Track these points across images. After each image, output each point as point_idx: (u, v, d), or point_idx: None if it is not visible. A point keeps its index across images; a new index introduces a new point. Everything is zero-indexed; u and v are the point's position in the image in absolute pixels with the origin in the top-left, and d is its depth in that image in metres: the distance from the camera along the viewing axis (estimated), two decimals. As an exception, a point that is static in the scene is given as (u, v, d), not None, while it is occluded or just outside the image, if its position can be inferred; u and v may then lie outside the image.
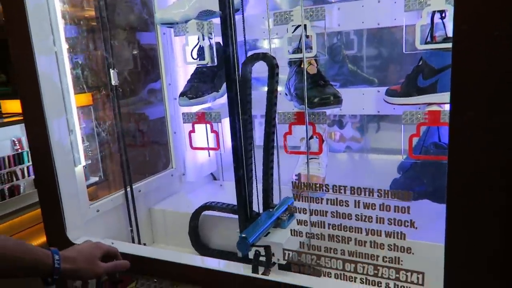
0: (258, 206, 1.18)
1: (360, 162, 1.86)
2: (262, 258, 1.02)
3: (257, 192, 1.17)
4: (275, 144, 1.20)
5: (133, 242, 1.42)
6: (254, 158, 1.16)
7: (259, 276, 0.99)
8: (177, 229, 1.49)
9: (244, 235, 0.98)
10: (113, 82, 1.28)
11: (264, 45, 1.95)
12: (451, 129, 0.69)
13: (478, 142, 0.68)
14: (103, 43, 1.28)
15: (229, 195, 1.27)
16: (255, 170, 1.16)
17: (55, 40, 1.10)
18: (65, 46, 1.14)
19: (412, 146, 1.22)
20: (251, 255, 1.03)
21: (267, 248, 1.02)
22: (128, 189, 1.39)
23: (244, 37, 1.25)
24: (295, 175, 1.33)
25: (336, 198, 0.77)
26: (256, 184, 1.15)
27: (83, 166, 1.22)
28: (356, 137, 1.86)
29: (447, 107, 1.18)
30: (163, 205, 1.58)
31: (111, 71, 1.28)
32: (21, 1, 1.02)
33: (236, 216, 1.14)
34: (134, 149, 1.60)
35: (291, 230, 0.93)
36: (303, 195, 0.82)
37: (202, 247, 1.47)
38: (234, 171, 1.09)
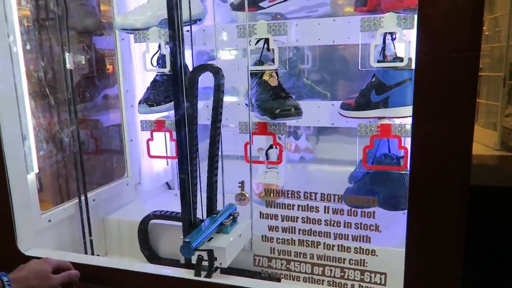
0: (202, 213, 1.20)
1: (313, 172, 1.93)
2: (205, 263, 1.04)
3: (201, 200, 1.19)
4: (219, 153, 1.23)
5: (86, 253, 1.36)
6: (199, 166, 1.18)
7: (202, 279, 1.01)
8: (131, 239, 1.45)
9: (187, 240, 0.99)
10: (68, 66, 1.22)
11: (223, 56, 1.98)
12: (414, 136, 0.76)
13: (437, 148, 0.76)
14: (59, 44, 1.23)
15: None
16: (200, 178, 1.19)
17: (11, 42, 1.05)
18: (21, 48, 1.08)
19: (365, 156, 1.30)
20: (194, 260, 1.04)
21: (210, 252, 1.04)
22: (83, 198, 1.34)
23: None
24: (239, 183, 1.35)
25: (307, 204, 0.81)
26: (201, 192, 1.17)
27: (36, 173, 1.16)
28: (310, 148, 1.94)
29: (397, 121, 1.29)
30: (117, 215, 1.53)
31: (67, 54, 1.22)
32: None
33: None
34: (87, 157, 1.54)
35: (262, 236, 0.95)
36: (275, 202, 0.85)
37: (153, 256, 1.45)
38: (179, 180, 1.11)
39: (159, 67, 1.46)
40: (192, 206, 1.14)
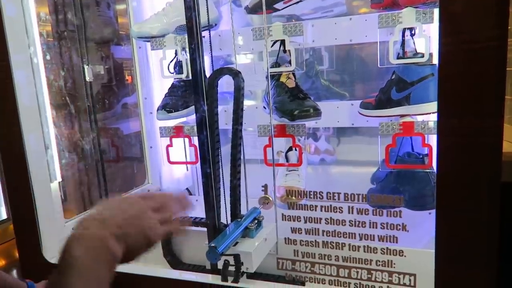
0: (226, 218, 1.19)
1: (334, 174, 1.91)
2: (231, 268, 1.03)
3: (225, 204, 1.18)
4: (241, 156, 1.22)
5: (110, 260, 1.37)
6: (222, 170, 1.17)
7: (229, 284, 1.00)
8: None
9: (213, 245, 0.98)
10: (87, 79, 1.24)
11: (239, 60, 1.98)
12: (440, 134, 0.73)
13: (464, 145, 0.73)
14: (79, 54, 1.25)
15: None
16: (223, 182, 1.18)
17: (31, 53, 1.07)
18: (41, 59, 1.10)
19: (388, 155, 1.27)
20: (220, 265, 1.03)
21: (236, 256, 1.02)
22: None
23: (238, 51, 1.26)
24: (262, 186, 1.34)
25: (330, 205, 0.79)
26: (224, 196, 1.16)
27: (59, 182, 1.18)
28: (330, 150, 1.91)
29: (419, 118, 1.25)
30: (139, 222, 1.54)
31: (86, 67, 1.24)
32: (-2, 12, 0.99)
33: (205, 230, 1.15)
34: (108, 165, 1.56)
35: (285, 238, 0.94)
36: (298, 203, 0.83)
37: (175, 262, 1.45)
38: (202, 184, 1.10)
39: (176, 73, 1.47)
40: (216, 211, 1.13)
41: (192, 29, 1.09)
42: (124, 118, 1.64)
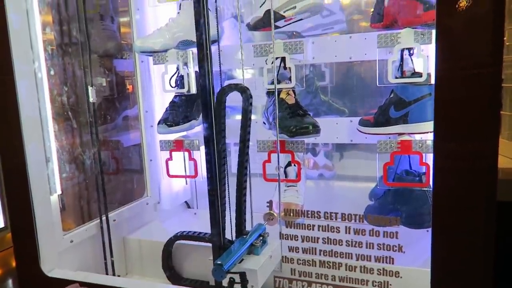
0: (231, 233, 1.19)
1: (332, 189, 1.91)
2: (237, 285, 1.02)
3: (230, 220, 1.18)
4: (247, 172, 1.22)
5: (107, 273, 1.37)
6: (228, 186, 1.18)
7: None
8: (152, 258, 1.45)
9: (219, 262, 0.98)
10: (91, 100, 1.26)
11: (240, 75, 2.01)
12: (435, 155, 0.74)
13: (460, 166, 0.74)
14: (81, 68, 1.26)
15: (203, 223, 1.27)
16: (229, 198, 1.18)
17: (36, 68, 1.09)
18: (45, 73, 1.12)
19: (386, 173, 1.28)
20: (224, 282, 1.03)
21: (242, 274, 1.02)
22: (104, 218, 1.35)
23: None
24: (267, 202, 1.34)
25: (328, 225, 0.80)
26: (230, 211, 1.16)
27: (58, 194, 1.18)
28: (328, 165, 1.92)
29: (417, 136, 1.26)
30: (137, 234, 1.54)
31: (89, 88, 1.26)
32: (4, 25, 1.01)
33: (208, 245, 1.14)
34: (108, 177, 1.56)
35: (282, 257, 0.94)
36: (295, 222, 0.84)
37: (175, 277, 1.44)
38: (208, 199, 1.10)
39: (177, 88, 1.49)
40: (222, 227, 1.12)
41: (202, 45, 1.09)
42: (125, 130, 1.66)
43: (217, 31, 1.15)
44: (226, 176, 1.17)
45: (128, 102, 1.68)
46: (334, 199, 1.89)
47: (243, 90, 1.13)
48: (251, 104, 1.16)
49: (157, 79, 1.58)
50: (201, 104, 1.08)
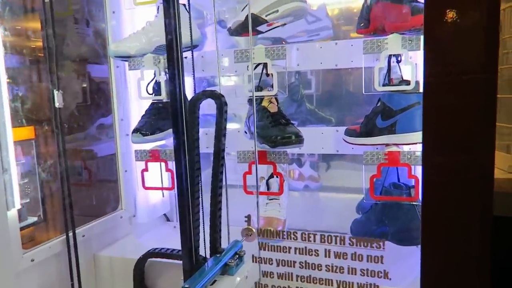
0: (205, 250, 1.10)
1: (318, 201, 1.84)
2: None
3: (203, 236, 1.09)
4: (223, 184, 1.13)
5: (74, 294, 1.27)
6: (202, 200, 1.09)
7: None
8: (125, 277, 1.35)
9: (187, 286, 0.89)
10: (57, 105, 1.16)
11: (223, 82, 1.94)
12: (424, 168, 0.68)
13: (451, 180, 0.67)
14: (48, 72, 1.18)
15: (183, 238, 1.18)
16: (203, 213, 1.09)
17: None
18: (4, 77, 1.03)
19: (373, 186, 1.21)
20: None
21: None
22: (71, 234, 1.25)
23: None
24: (245, 217, 1.26)
25: (305, 247, 0.72)
26: (203, 227, 1.07)
27: (17, 209, 1.08)
28: (314, 176, 1.85)
29: (405, 147, 1.20)
30: (109, 251, 1.44)
31: (55, 92, 1.16)
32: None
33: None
34: (79, 189, 1.47)
35: (255, 283, 0.85)
36: (269, 244, 0.76)
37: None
38: (178, 214, 1.01)
39: (154, 95, 1.41)
40: (194, 244, 1.03)
41: (172, 49, 1.02)
42: (99, 139, 1.56)
43: (190, 35, 1.08)
44: (200, 190, 1.08)
45: (103, 109, 1.59)
46: (320, 211, 1.82)
47: (217, 97, 1.05)
48: (225, 112, 1.08)
49: (134, 85, 1.50)
50: (171, 112, 1.00)
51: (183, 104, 1.02)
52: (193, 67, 1.10)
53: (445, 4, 0.68)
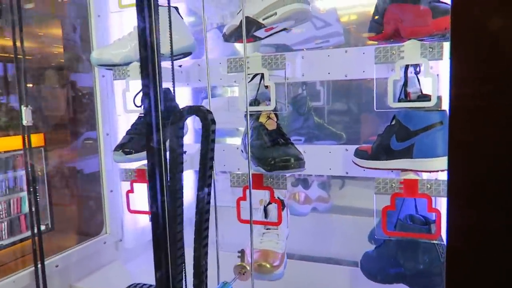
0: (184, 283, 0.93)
1: (327, 224, 1.67)
2: None
3: (184, 276, 0.92)
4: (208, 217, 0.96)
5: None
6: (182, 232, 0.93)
7: None
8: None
9: None
10: (24, 122, 1.03)
11: (224, 93, 1.79)
12: (450, 205, 0.50)
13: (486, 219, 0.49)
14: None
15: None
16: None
17: None
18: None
19: (386, 219, 1.03)
20: None
21: None
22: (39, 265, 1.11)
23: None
24: (238, 252, 1.10)
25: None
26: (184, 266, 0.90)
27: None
28: (323, 197, 1.68)
29: (424, 175, 1.01)
30: (89, 281, 1.30)
31: (23, 108, 1.03)
32: None
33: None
34: (59, 211, 1.33)
35: None
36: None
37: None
38: (153, 248, 0.84)
39: (143, 108, 1.26)
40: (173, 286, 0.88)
41: (147, 57, 0.87)
42: (84, 156, 1.43)
43: (170, 41, 0.93)
44: (182, 221, 0.92)
45: (89, 123, 1.46)
46: (329, 235, 1.65)
47: (203, 115, 0.88)
48: (213, 132, 0.91)
49: (120, 97, 1.36)
50: (145, 129, 0.84)
51: (160, 121, 0.86)
52: (173, 77, 0.95)
53: (477, 3, 0.51)
